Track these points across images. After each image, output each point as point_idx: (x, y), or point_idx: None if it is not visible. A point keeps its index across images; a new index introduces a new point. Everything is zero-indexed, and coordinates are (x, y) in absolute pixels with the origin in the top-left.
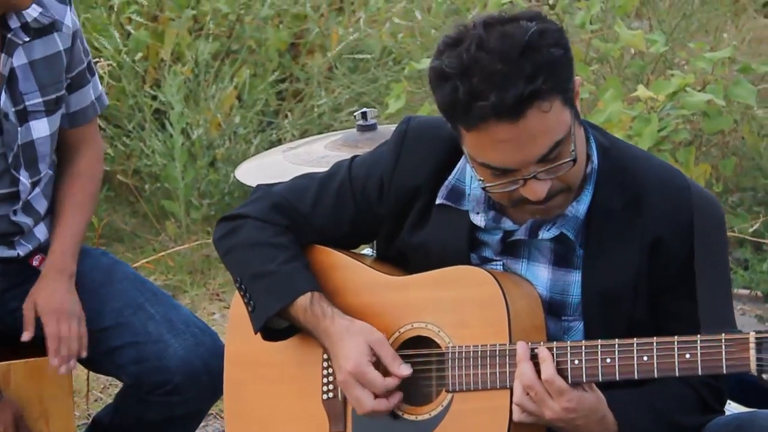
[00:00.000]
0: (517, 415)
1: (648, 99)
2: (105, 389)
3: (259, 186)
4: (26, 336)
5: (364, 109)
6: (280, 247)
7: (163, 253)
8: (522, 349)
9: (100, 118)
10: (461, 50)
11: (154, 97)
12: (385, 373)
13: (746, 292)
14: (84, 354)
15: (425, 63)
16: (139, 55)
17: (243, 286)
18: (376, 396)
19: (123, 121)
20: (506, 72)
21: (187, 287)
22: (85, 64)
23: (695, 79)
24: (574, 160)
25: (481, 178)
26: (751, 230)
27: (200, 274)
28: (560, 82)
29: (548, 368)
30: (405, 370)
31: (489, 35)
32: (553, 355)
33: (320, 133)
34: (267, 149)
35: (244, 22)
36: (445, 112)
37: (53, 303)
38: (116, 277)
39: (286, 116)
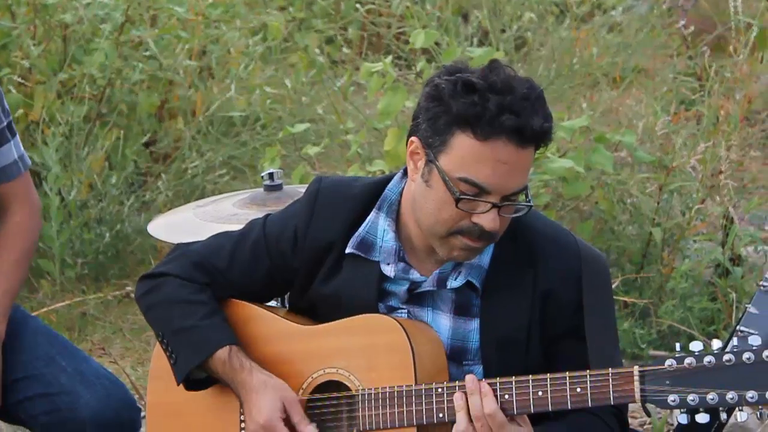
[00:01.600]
0: None
1: None
2: None
3: (178, 245)
4: None
5: (271, 170)
6: (199, 303)
7: (45, 309)
8: (472, 382)
9: None
10: (485, 73)
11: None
12: (293, 430)
13: None
14: None
15: (299, 127)
16: (17, 113)
17: (165, 341)
18: None
19: None
20: (533, 103)
21: None
22: (5, 123)
23: (555, 147)
24: (530, 206)
25: (454, 192)
26: None
27: (79, 331)
28: (550, 138)
29: (491, 402)
30: (311, 430)
31: (510, 71)
32: (495, 391)
33: (192, 194)
34: (139, 210)
35: (115, 87)
36: (461, 119)
37: None
38: (28, 330)
39: (159, 177)
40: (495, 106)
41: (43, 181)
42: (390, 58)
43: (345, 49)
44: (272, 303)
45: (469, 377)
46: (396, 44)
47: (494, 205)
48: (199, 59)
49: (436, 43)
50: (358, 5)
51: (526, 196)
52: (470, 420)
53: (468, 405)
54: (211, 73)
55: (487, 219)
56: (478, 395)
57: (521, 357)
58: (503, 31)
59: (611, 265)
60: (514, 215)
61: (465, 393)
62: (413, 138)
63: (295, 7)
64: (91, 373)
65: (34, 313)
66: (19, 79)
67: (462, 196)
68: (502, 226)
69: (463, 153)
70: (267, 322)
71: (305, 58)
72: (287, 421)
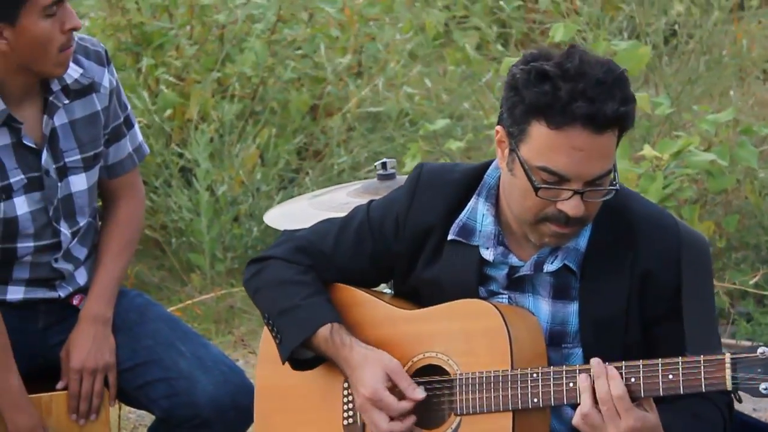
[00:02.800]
0: (579, 423)
1: (653, 158)
2: (135, 429)
3: (284, 231)
4: (60, 385)
5: (385, 160)
6: (303, 283)
7: (190, 302)
8: (598, 365)
9: None
10: (561, 60)
11: (181, 155)
12: (401, 397)
13: (748, 343)
14: (112, 403)
15: (440, 124)
16: (168, 112)
17: (271, 321)
18: (391, 419)
19: (150, 178)
20: (609, 87)
21: (212, 335)
22: (122, 119)
23: (700, 141)
24: (617, 190)
25: (534, 180)
26: (751, 283)
27: (225, 323)
28: (631, 120)
29: (619, 385)
30: (419, 394)
31: (584, 56)
32: (621, 374)
33: None
34: None
35: (268, 85)
36: (534, 108)
37: (80, 359)
38: (150, 317)
39: (307, 174)
40: (567, 93)
41: (193, 177)
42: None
43: (499, 47)
44: (384, 289)
45: (594, 360)
46: (541, 39)
47: (576, 192)
48: (352, 57)
49: (584, 38)
50: (501, 2)
51: (614, 179)
52: (595, 403)
53: (593, 388)
54: (360, 71)
55: (571, 206)
56: (604, 378)
57: (620, 339)
58: (651, 24)
59: (761, 260)
60: (603, 199)
61: (590, 375)
62: (498, 127)
63: (458, 5)
64: (210, 359)
65: (181, 305)
66: (173, 79)
67: (541, 185)
68: (590, 210)
69: (540, 142)
70: (370, 306)
71: (454, 55)
72: (394, 389)
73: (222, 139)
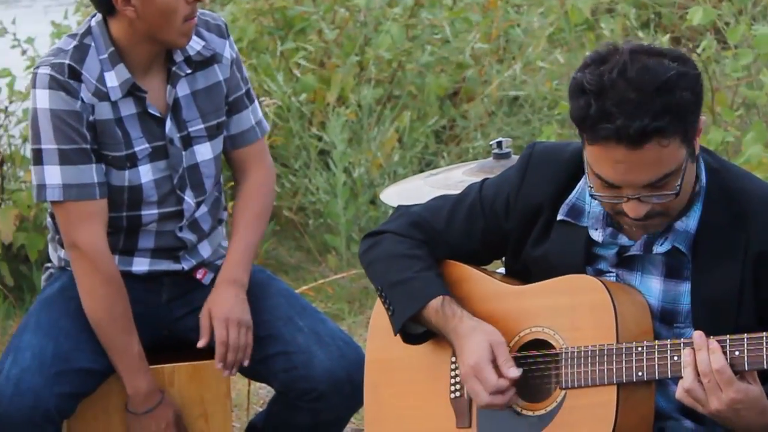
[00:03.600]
0: (683, 396)
1: None
2: (264, 404)
3: (399, 206)
4: (201, 343)
5: (500, 139)
6: (415, 257)
7: (323, 281)
8: (700, 338)
9: None
10: (603, 70)
11: (319, 138)
12: (500, 372)
13: None
14: (246, 362)
15: None
16: (303, 96)
17: (383, 294)
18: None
19: (290, 160)
20: (638, 103)
21: (345, 315)
22: (243, 90)
23: None
24: (677, 194)
25: (591, 186)
26: None
27: (358, 303)
28: (684, 124)
29: (720, 359)
30: (514, 372)
31: (632, 64)
32: (725, 347)
33: None
34: None
35: (406, 69)
36: (574, 121)
37: (224, 311)
38: (270, 292)
39: (443, 157)
40: (595, 112)
41: (331, 160)
42: (667, 36)
43: (640, 33)
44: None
45: (696, 333)
46: (679, 23)
47: (630, 198)
48: (494, 42)
49: (726, 23)
50: None
51: (681, 178)
52: (697, 376)
53: (695, 361)
54: (500, 56)
55: (629, 208)
56: (705, 351)
57: (732, 320)
58: None
59: None
60: (666, 201)
61: (693, 349)
62: None
63: None
64: (327, 334)
65: (314, 284)
66: (312, 64)
67: (595, 193)
68: (664, 207)
69: (588, 151)
70: (479, 282)
71: (593, 38)
72: (495, 364)
73: (360, 123)
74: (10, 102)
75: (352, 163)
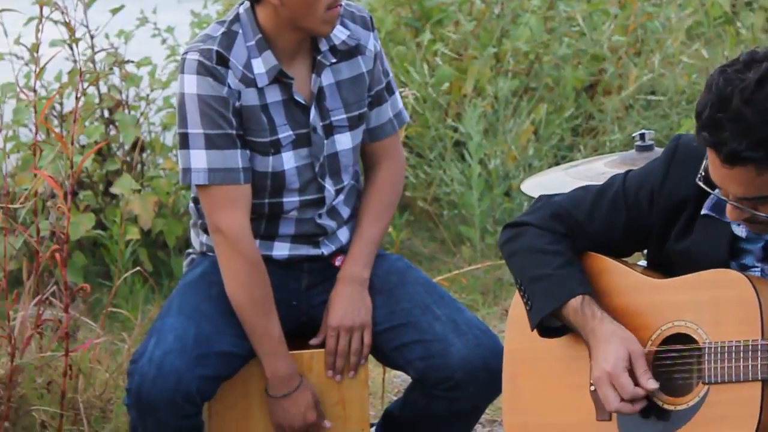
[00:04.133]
0: None
1: None
2: (399, 392)
3: (540, 196)
4: (314, 341)
5: (643, 131)
6: (556, 252)
7: (457, 272)
8: None
9: (405, 147)
10: (736, 79)
11: (455, 129)
12: (636, 382)
13: None
14: (363, 362)
15: None
16: (446, 85)
17: (522, 288)
18: (622, 399)
19: (425, 151)
20: (747, 127)
21: (479, 306)
22: (384, 84)
23: None
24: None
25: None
26: None
27: (492, 295)
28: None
29: None
30: (651, 384)
31: (764, 84)
32: None
33: None
34: None
35: (543, 61)
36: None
37: (337, 317)
38: (408, 280)
39: (579, 151)
40: (707, 117)
41: (466, 151)
42: None
43: None
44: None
45: None
46: None
47: (728, 201)
48: (631, 35)
49: None
50: None
51: None
52: None
53: None
54: (637, 49)
55: (728, 209)
56: None
57: None
58: None
59: None
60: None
61: None
62: None
63: None
64: (464, 322)
65: (449, 275)
66: (450, 53)
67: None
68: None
69: None
70: (620, 274)
71: (733, 32)
72: (631, 372)
73: (496, 114)
74: (152, 90)
75: (487, 154)
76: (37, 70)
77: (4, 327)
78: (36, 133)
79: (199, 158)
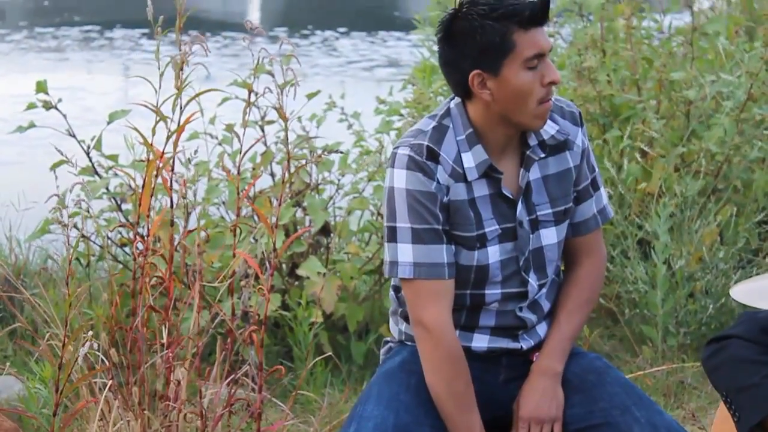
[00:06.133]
0: None
1: None
2: None
3: (746, 312)
4: None
5: None
6: (764, 363)
7: (640, 373)
8: None
9: None
10: None
11: (640, 227)
12: None
13: None
14: None
15: None
16: (626, 183)
17: (728, 399)
18: None
19: (608, 247)
20: None
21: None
22: (589, 180)
23: None
24: None
25: None
26: None
27: (674, 397)
28: None
29: None
30: None
31: None
32: None
33: None
34: None
35: (732, 163)
36: None
37: (529, 410)
38: (607, 380)
39: (766, 256)
40: None
41: (651, 250)
42: None
43: None
44: None
45: None
46: None
47: None
48: None
49: None
50: None
51: None
52: None
53: None
54: None
55: None
56: None
57: None
58: None
59: None
60: None
61: None
62: None
63: None
64: (664, 426)
65: (631, 375)
66: (640, 153)
67: None
68: None
69: None
70: None
71: None
72: None
73: (683, 214)
74: (342, 175)
75: (672, 254)
76: (241, 150)
77: (196, 404)
78: (238, 213)
79: (406, 252)
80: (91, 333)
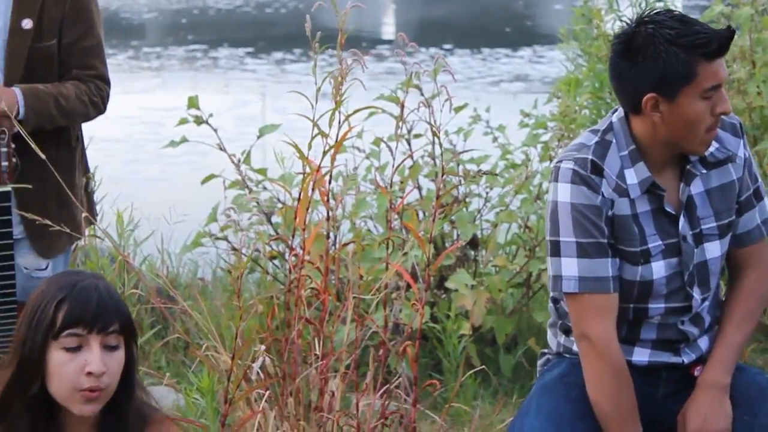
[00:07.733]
0: None
1: None
2: None
3: None
4: None
5: None
6: None
7: None
8: None
9: None
10: None
11: None
12: None
13: None
14: None
15: None
16: None
17: None
18: None
19: None
20: None
21: None
22: (752, 190)
23: None
24: None
25: None
26: None
27: None
28: None
29: None
30: None
31: None
32: None
33: None
34: None
35: None
36: None
37: (697, 424)
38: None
39: None
40: None
41: None
42: None
43: None
44: None
45: None
46: None
47: None
48: None
49: None
50: None
51: None
52: None
53: None
54: None
55: None
56: None
57: None
58: None
59: None
60: None
61: None
62: None
63: None
64: None
65: None
66: None
67: None
68: None
69: None
70: None
71: None
72: None
73: None
74: (491, 188)
75: None
76: (393, 164)
77: (352, 416)
78: (389, 227)
79: (570, 266)
80: (263, 347)
